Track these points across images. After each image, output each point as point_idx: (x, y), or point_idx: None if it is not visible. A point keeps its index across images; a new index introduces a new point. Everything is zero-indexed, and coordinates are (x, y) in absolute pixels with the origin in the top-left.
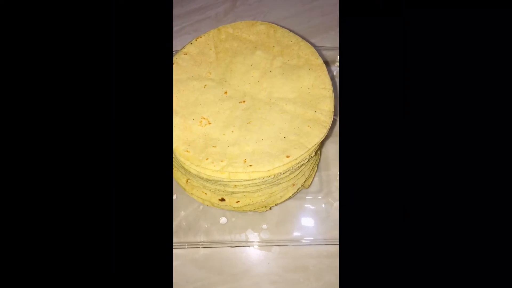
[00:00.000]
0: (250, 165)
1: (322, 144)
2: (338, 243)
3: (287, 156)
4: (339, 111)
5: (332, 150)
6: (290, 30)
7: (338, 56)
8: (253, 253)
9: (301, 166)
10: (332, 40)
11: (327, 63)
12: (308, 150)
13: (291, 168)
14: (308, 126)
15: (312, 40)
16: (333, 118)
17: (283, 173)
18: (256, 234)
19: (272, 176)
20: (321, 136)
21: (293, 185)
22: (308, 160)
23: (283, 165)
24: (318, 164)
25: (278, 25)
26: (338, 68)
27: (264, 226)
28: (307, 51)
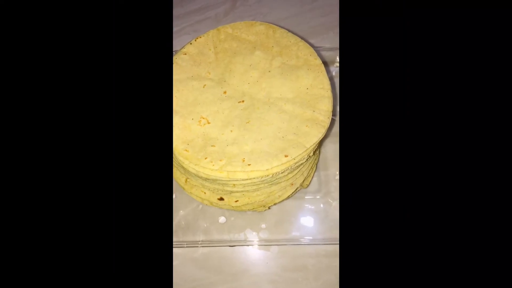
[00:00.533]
0: (249, 164)
1: (320, 144)
2: (337, 242)
3: (286, 156)
4: (338, 111)
5: (331, 150)
6: (290, 31)
7: (337, 57)
8: (252, 253)
9: (299, 166)
10: (331, 40)
11: (326, 64)
12: (307, 149)
13: (290, 168)
14: (307, 126)
15: (312, 41)
16: (332, 118)
17: (282, 173)
18: (255, 233)
19: (271, 175)
20: (320, 135)
21: (292, 184)
22: (307, 159)
23: (282, 164)
24: (317, 164)
25: (277, 25)
26: (337, 69)
27: (263, 226)
28: (306, 51)
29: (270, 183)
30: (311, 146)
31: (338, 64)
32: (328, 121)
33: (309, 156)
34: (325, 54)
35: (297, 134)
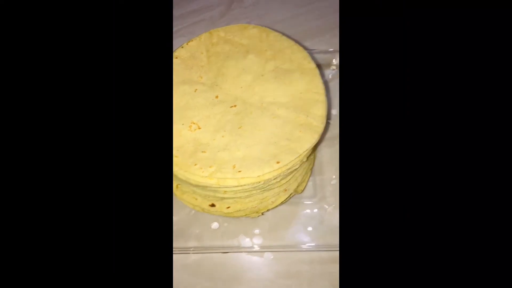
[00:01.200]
0: (239, 171)
1: (316, 148)
2: (332, 249)
3: (277, 162)
4: (333, 114)
5: (327, 154)
6: (285, 33)
7: (333, 60)
8: (245, 259)
9: (292, 172)
10: (328, 42)
11: (321, 67)
12: (299, 155)
13: (282, 174)
14: (300, 131)
15: (307, 43)
16: (327, 122)
17: (274, 179)
18: (248, 239)
19: (262, 182)
20: (313, 141)
21: (285, 190)
22: (300, 165)
23: (273, 170)
24: (312, 169)
25: (272, 28)
26: (333, 72)
27: (257, 231)
28: (299, 55)
29: (262, 189)
30: (303, 152)
31: (334, 67)
32: (322, 126)
33: (302, 162)
34: (321, 56)
35: (290, 139)
